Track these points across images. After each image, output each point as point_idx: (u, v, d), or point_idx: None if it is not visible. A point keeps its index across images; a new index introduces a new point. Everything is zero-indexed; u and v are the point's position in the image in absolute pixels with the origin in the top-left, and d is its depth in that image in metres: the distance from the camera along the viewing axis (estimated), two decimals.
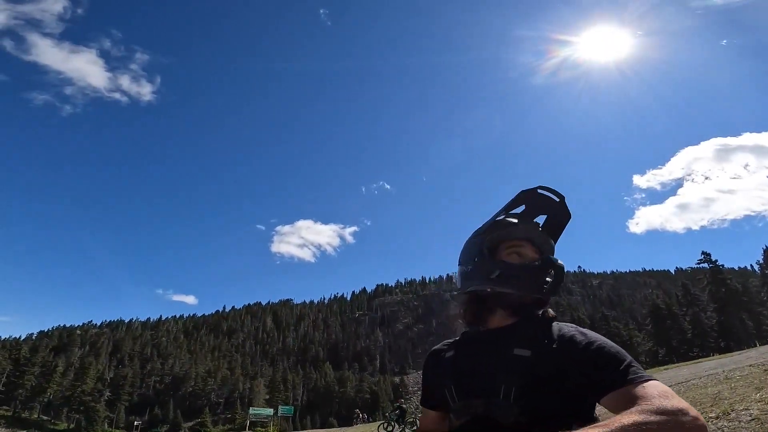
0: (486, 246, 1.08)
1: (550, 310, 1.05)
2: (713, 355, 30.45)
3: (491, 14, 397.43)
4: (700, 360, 23.57)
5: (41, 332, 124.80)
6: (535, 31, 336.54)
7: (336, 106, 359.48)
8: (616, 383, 0.83)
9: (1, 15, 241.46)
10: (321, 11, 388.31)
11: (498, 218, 1.11)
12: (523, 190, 1.11)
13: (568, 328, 0.98)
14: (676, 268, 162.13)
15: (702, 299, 49.71)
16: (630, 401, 0.79)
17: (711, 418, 5.00)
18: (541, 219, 1.15)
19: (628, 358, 0.87)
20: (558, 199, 1.11)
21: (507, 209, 1.12)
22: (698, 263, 48.72)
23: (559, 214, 1.12)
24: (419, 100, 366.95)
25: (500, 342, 1.00)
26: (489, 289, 1.04)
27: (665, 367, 20.80)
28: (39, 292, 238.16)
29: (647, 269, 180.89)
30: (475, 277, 1.07)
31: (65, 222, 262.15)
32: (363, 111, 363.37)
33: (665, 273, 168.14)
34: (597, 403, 0.89)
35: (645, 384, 0.81)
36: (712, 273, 47.11)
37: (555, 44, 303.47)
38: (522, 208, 1.13)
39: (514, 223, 1.09)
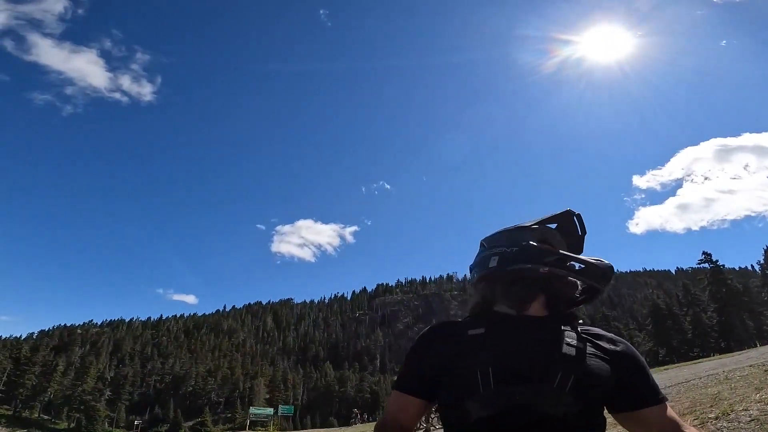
0: (537, 237, 1.07)
1: (575, 312, 1.04)
2: (714, 355, 30.32)
3: (492, 14, 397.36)
4: (700, 360, 23.49)
5: (42, 331, 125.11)
6: (537, 30, 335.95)
7: (336, 106, 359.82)
8: (656, 399, 0.90)
9: (1, 15, 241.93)
10: (321, 11, 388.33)
11: (543, 224, 1.13)
12: (570, 210, 1.13)
13: (606, 332, 0.98)
14: (677, 268, 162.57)
15: (702, 299, 49.56)
16: (665, 420, 0.89)
17: (710, 418, 4.93)
18: None
19: None
20: (581, 233, 1.14)
21: (545, 221, 1.13)
22: (699, 263, 48.49)
23: (574, 245, 1.14)
24: (420, 100, 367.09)
25: (549, 329, 0.95)
26: (545, 270, 0.98)
27: (665, 367, 20.71)
28: (40, 291, 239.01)
29: (647, 269, 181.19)
30: (524, 258, 1.01)
31: (65, 222, 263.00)
32: (363, 111, 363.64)
33: (665, 273, 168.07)
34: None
35: (670, 406, 0.92)
36: (712, 273, 46.94)
37: (557, 44, 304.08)
38: (554, 225, 1.15)
39: (557, 233, 1.13)
